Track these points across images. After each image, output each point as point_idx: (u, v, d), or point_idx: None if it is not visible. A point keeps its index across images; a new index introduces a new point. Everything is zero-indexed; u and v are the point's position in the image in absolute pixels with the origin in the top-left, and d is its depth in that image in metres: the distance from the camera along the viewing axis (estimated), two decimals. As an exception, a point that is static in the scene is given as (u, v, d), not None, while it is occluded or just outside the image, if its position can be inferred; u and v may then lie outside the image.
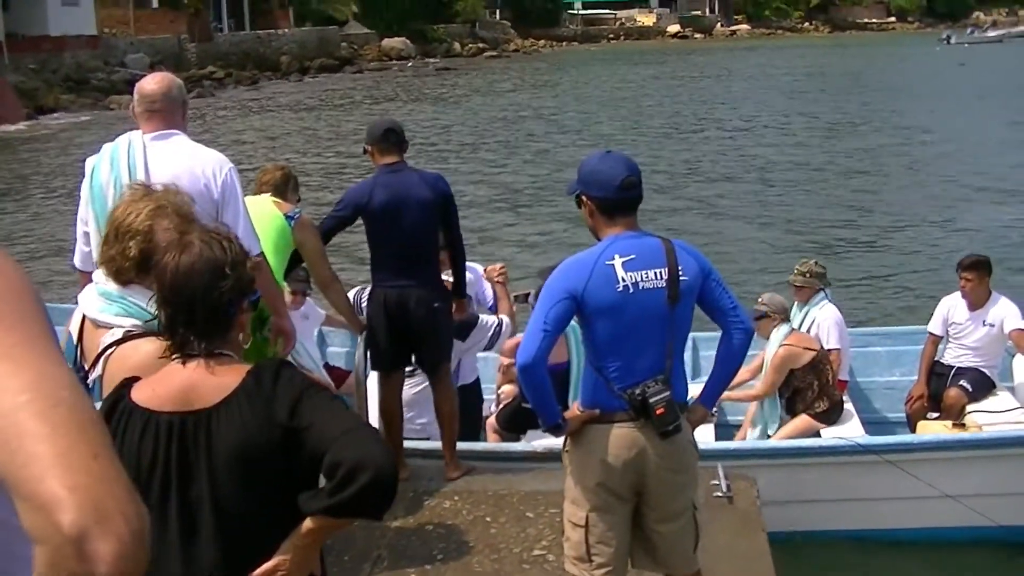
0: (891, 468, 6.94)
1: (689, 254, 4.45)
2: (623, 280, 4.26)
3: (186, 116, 5.39)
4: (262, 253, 5.31)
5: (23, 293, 1.49)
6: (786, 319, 8.24)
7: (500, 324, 7.64)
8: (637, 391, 4.29)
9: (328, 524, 2.80)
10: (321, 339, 9.24)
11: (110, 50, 53.49)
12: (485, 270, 8.08)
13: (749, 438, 8.22)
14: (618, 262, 4.28)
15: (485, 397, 8.41)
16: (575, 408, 4.52)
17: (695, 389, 4.87)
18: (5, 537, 1.62)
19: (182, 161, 5.10)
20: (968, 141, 28.48)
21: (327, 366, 8.13)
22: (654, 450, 4.37)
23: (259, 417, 2.79)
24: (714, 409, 8.36)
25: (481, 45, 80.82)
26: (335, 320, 8.50)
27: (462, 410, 7.21)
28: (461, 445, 6.98)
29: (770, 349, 8.13)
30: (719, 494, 6.40)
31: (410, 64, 69.44)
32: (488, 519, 6.35)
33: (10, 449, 1.32)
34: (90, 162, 5.24)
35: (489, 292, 8.03)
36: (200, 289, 2.89)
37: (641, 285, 4.27)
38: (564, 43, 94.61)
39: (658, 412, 4.26)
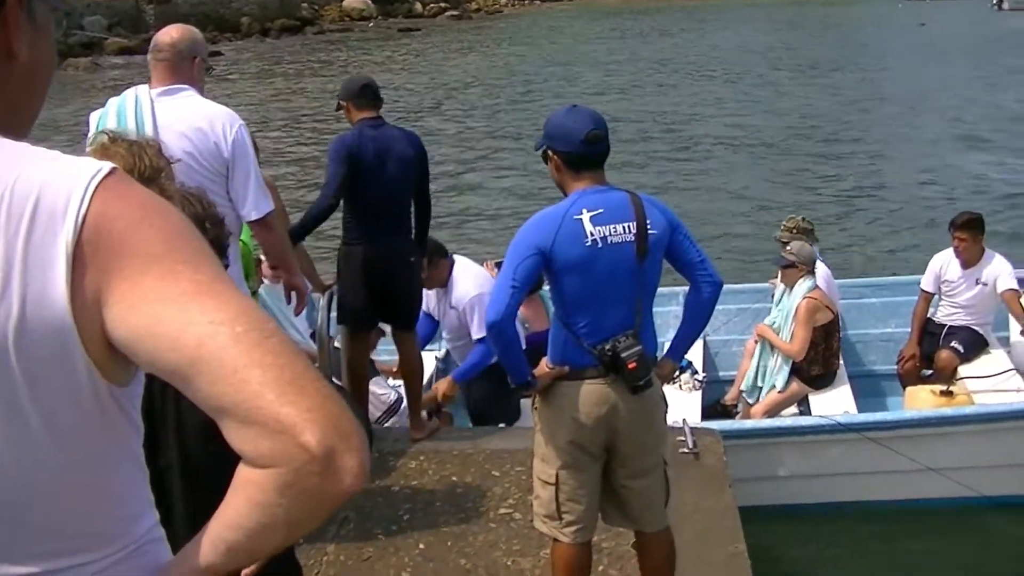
0: (872, 444, 6.96)
1: (656, 208, 4.41)
2: (591, 235, 4.22)
3: (201, 72, 5.25)
4: (274, 211, 5.25)
5: (195, 232, 1.53)
6: (812, 272, 8.14)
7: (398, 402, 7.46)
8: (608, 346, 4.26)
9: None
10: (312, 305, 9.11)
11: (66, 13, 52.78)
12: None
13: (761, 396, 8.26)
14: (586, 216, 4.23)
15: None
16: (544, 365, 4.47)
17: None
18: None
19: (191, 117, 4.99)
20: (940, 96, 28.60)
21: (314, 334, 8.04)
22: (625, 405, 4.35)
23: None
24: (701, 376, 8.38)
25: (443, 4, 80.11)
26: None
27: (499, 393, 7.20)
28: None
29: (793, 299, 8.07)
30: (685, 451, 6.39)
31: (371, 24, 68.85)
32: (454, 478, 6.33)
33: (239, 379, 1.38)
34: (94, 116, 5.14)
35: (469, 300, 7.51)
36: None
37: (610, 239, 4.23)
38: (527, 0, 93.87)
39: (630, 367, 4.23)
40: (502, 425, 7.38)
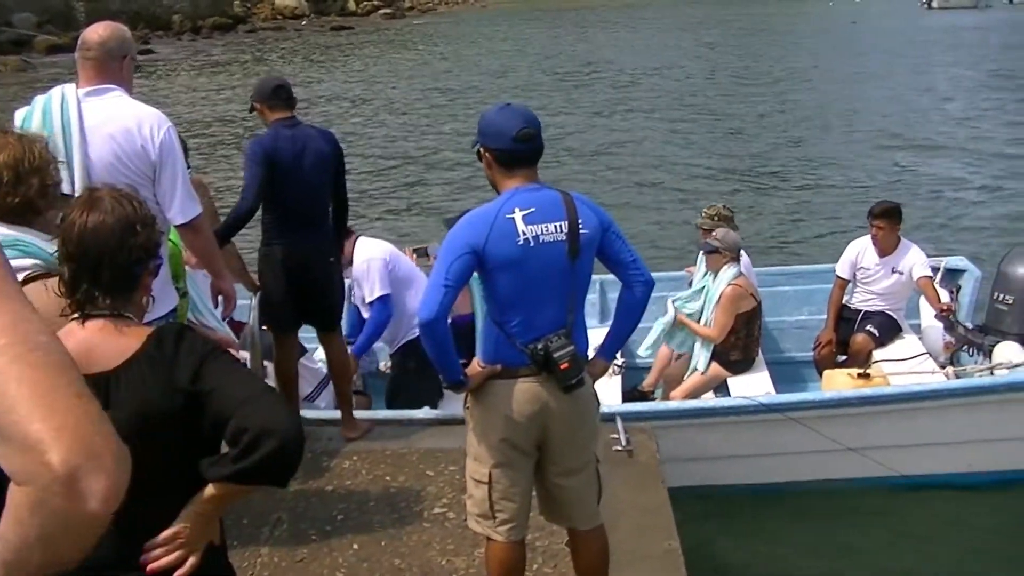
0: (794, 425, 7.03)
1: (588, 207, 4.41)
2: (524, 233, 4.21)
3: (130, 72, 5.14)
4: (201, 215, 5.17)
5: None
6: (736, 259, 8.22)
7: (327, 377, 7.50)
8: (540, 346, 4.26)
9: (231, 491, 2.73)
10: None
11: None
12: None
13: (685, 376, 8.33)
14: (518, 215, 4.23)
15: None
16: (476, 364, 4.47)
17: (603, 332, 4.83)
18: None
19: (118, 118, 4.89)
20: (865, 92, 29.08)
21: (231, 321, 8.01)
22: (557, 404, 4.35)
23: (160, 382, 2.71)
24: (620, 362, 8.44)
25: (377, 2, 79.76)
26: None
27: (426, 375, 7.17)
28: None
29: (717, 286, 8.14)
30: (619, 448, 6.42)
31: (304, 23, 68.42)
32: (388, 478, 6.32)
33: None
34: (19, 114, 5.03)
35: (373, 282, 7.73)
36: (110, 245, 2.78)
37: (542, 238, 4.23)
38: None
39: (562, 367, 4.24)
40: (427, 407, 7.41)
